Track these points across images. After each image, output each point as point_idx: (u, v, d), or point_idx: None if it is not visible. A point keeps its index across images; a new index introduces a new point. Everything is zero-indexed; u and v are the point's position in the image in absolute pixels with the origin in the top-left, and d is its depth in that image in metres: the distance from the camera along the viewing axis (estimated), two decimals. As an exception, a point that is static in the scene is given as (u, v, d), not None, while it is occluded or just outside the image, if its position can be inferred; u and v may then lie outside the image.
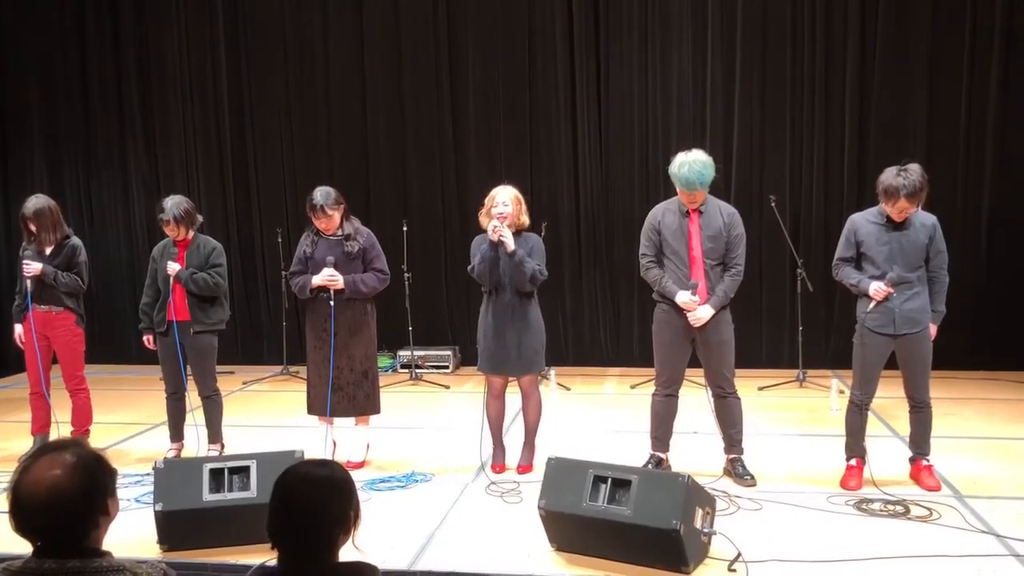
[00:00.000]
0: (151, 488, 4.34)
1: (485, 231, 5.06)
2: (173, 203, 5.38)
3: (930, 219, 4.73)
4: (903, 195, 4.51)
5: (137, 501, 4.72)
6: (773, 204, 7.33)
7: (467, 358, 8.29)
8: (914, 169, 4.55)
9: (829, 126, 7.98)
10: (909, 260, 4.66)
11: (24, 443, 5.73)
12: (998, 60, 7.64)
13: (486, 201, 5.13)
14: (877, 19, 7.80)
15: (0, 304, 8.87)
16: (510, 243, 4.94)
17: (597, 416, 6.71)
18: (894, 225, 4.67)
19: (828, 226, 7.88)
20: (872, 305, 4.67)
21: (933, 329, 4.76)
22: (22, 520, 1.95)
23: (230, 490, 4.14)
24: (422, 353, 8.32)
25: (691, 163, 4.74)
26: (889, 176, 4.58)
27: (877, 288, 4.65)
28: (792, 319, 7.78)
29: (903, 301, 4.66)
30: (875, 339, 4.72)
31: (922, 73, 7.76)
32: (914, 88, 7.79)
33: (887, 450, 5.38)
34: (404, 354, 8.32)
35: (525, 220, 5.15)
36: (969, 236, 7.75)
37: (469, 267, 5.15)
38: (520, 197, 5.14)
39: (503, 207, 5.03)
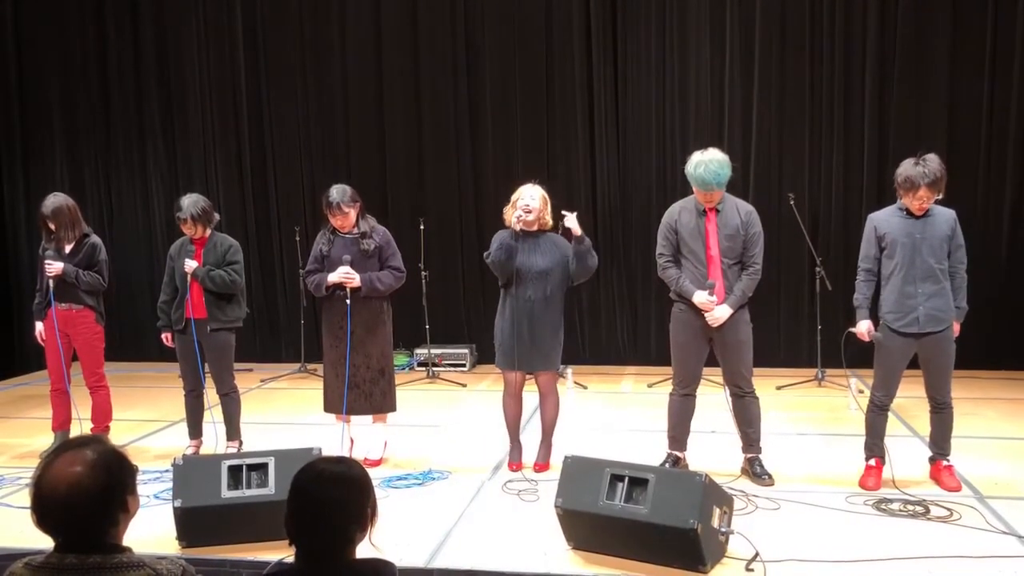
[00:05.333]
0: (170, 485, 4.38)
1: (507, 226, 5.07)
2: (190, 202, 5.41)
3: (950, 212, 4.70)
4: (924, 184, 4.48)
5: (156, 497, 4.76)
6: (792, 202, 7.28)
7: (484, 356, 8.29)
8: (932, 158, 4.53)
9: (848, 123, 7.92)
10: (934, 250, 4.62)
11: (45, 439, 5.79)
12: (1020, 56, 7.56)
13: (513, 196, 5.14)
14: (897, 14, 7.73)
15: (21, 302, 8.97)
16: (577, 228, 4.94)
17: (614, 415, 6.70)
18: (915, 217, 4.64)
19: (847, 224, 7.83)
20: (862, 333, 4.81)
21: (956, 327, 4.73)
22: (43, 515, 1.97)
23: (248, 487, 4.16)
24: (439, 351, 8.33)
25: (707, 163, 4.71)
26: (907, 167, 4.55)
27: (866, 330, 4.75)
28: (811, 318, 7.74)
29: (926, 299, 4.62)
30: (897, 339, 4.68)
31: (942, 69, 7.68)
32: (934, 84, 7.71)
33: (907, 450, 5.33)
34: (421, 352, 8.34)
35: (549, 220, 5.17)
36: (990, 234, 7.67)
37: (485, 254, 5.16)
38: (547, 198, 5.16)
39: (530, 200, 5.04)
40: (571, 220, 4.97)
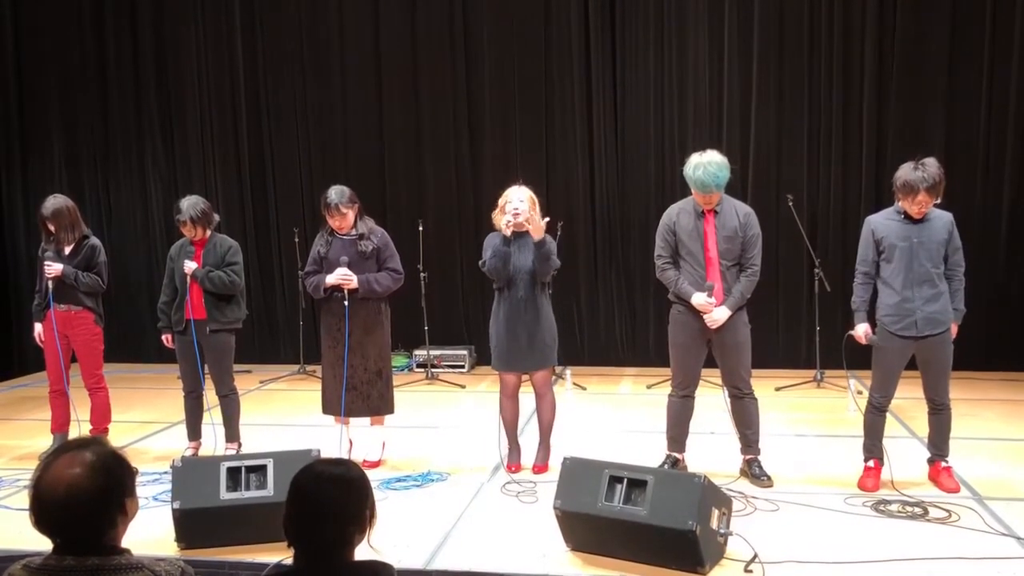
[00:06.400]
0: (169, 486, 4.39)
1: (497, 229, 5.07)
2: (189, 204, 5.42)
3: (947, 215, 4.71)
4: (923, 188, 4.48)
5: (155, 499, 4.76)
6: (790, 203, 7.29)
7: (483, 357, 8.29)
8: (931, 162, 4.53)
9: (846, 124, 7.92)
10: (931, 255, 4.62)
11: (44, 441, 5.78)
12: (1018, 56, 7.57)
13: (500, 200, 5.14)
14: (895, 16, 7.74)
15: (20, 303, 8.97)
16: (539, 231, 4.93)
17: (613, 416, 6.70)
18: (913, 221, 4.64)
19: (846, 225, 7.84)
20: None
21: (954, 329, 4.73)
22: (42, 517, 1.97)
23: (247, 489, 4.16)
24: (438, 352, 8.33)
25: (706, 165, 4.71)
26: (906, 171, 4.55)
27: (863, 332, 4.77)
28: (809, 319, 7.75)
29: (924, 302, 4.62)
30: (896, 341, 4.68)
31: (941, 69, 7.69)
32: (932, 85, 7.72)
33: (905, 451, 5.34)
34: (420, 353, 8.34)
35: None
36: (988, 235, 7.67)
37: (480, 262, 5.17)
38: (534, 198, 5.14)
39: (518, 203, 5.04)
40: (534, 221, 4.93)
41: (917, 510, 4.42)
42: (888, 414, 4.89)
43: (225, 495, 4.14)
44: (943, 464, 4.84)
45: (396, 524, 4.39)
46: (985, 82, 7.63)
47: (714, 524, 3.79)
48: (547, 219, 5.02)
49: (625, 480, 3.88)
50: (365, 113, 8.79)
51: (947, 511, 4.41)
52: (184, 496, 4.12)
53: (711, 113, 8.15)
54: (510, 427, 5.31)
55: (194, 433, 5.65)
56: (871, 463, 4.86)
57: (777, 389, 7.23)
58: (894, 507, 4.48)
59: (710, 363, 5.07)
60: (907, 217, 4.65)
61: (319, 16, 8.77)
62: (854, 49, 7.84)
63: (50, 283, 5.56)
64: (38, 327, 5.70)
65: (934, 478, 4.85)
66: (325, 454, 4.07)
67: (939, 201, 4.62)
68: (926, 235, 4.63)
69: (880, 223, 4.76)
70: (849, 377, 6.73)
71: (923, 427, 5.03)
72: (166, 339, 5.61)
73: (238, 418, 5.62)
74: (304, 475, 2.18)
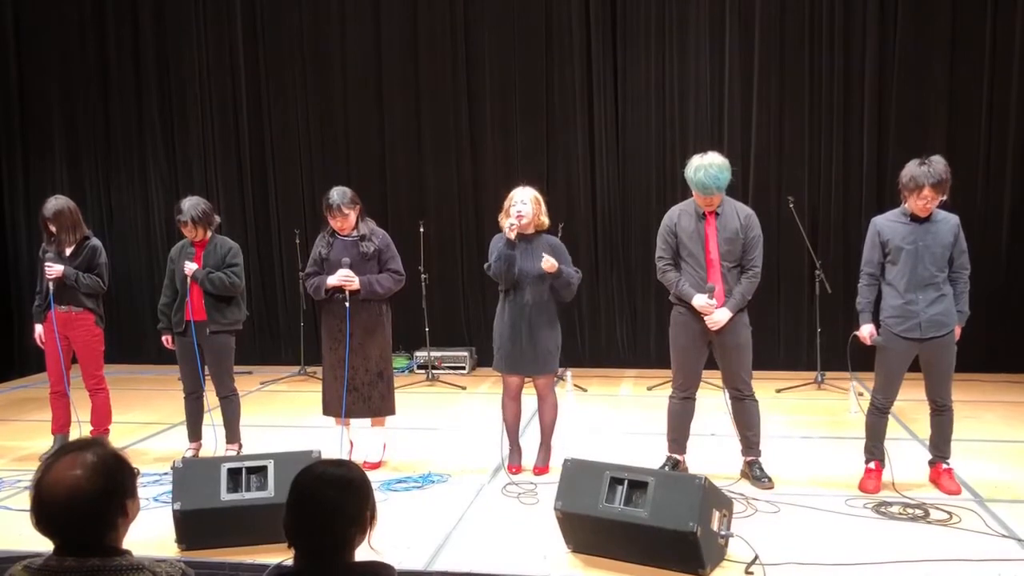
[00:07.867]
0: (169, 487, 4.39)
1: (503, 231, 5.07)
2: (190, 204, 5.42)
3: (953, 218, 4.70)
4: (928, 184, 4.47)
5: (155, 500, 4.76)
6: (791, 205, 7.29)
7: (484, 359, 8.29)
8: (937, 160, 4.53)
9: (847, 125, 7.92)
10: (936, 259, 4.62)
11: (45, 442, 5.79)
12: (1019, 57, 7.56)
13: (505, 203, 5.14)
14: (896, 17, 7.74)
15: (21, 304, 8.98)
16: (553, 264, 4.93)
17: (614, 417, 6.69)
18: (919, 222, 4.63)
19: (846, 227, 7.84)
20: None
21: (957, 331, 4.72)
22: (43, 518, 1.97)
23: (248, 490, 4.16)
24: (439, 354, 8.33)
25: (707, 167, 4.71)
26: (912, 168, 4.55)
27: (868, 334, 4.78)
28: (810, 320, 7.74)
29: (928, 305, 4.62)
30: (899, 343, 4.68)
31: (942, 70, 7.69)
32: (933, 86, 7.72)
33: (907, 453, 5.34)
34: (421, 355, 8.34)
35: (545, 220, 5.16)
36: (989, 236, 7.67)
37: (486, 265, 5.16)
38: (539, 197, 5.14)
39: (521, 205, 5.03)
40: (545, 262, 4.93)
41: (918, 512, 4.42)
42: (889, 416, 4.89)
43: (226, 496, 4.14)
44: (944, 466, 4.83)
45: (397, 525, 4.39)
46: (986, 83, 7.62)
47: (715, 526, 3.79)
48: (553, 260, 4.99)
49: (626, 482, 3.88)
50: (366, 114, 8.79)
51: (948, 513, 4.40)
52: (185, 497, 4.12)
53: (712, 114, 8.14)
54: (511, 428, 5.30)
55: (194, 434, 5.65)
56: (872, 465, 4.86)
57: (778, 391, 7.23)
58: (895, 509, 4.48)
59: (711, 365, 5.07)
60: (913, 219, 4.64)
61: (320, 17, 8.77)
62: (855, 50, 7.83)
63: (51, 284, 5.57)
64: (39, 328, 5.71)
65: (935, 480, 4.85)
66: (326, 455, 4.06)
67: (945, 198, 4.61)
68: (931, 238, 4.62)
69: (886, 225, 4.75)
70: (851, 378, 6.72)
71: (924, 429, 5.03)
72: (166, 340, 5.61)
73: (238, 419, 5.62)
74: (305, 476, 2.18)
